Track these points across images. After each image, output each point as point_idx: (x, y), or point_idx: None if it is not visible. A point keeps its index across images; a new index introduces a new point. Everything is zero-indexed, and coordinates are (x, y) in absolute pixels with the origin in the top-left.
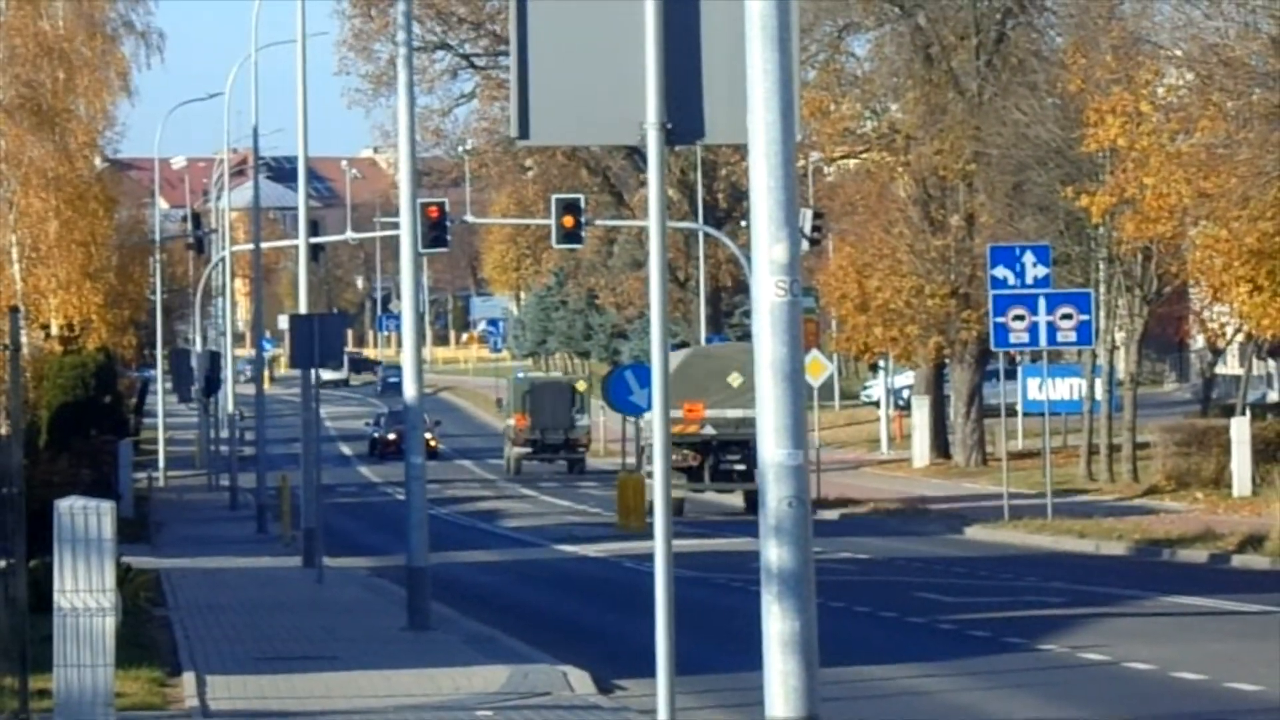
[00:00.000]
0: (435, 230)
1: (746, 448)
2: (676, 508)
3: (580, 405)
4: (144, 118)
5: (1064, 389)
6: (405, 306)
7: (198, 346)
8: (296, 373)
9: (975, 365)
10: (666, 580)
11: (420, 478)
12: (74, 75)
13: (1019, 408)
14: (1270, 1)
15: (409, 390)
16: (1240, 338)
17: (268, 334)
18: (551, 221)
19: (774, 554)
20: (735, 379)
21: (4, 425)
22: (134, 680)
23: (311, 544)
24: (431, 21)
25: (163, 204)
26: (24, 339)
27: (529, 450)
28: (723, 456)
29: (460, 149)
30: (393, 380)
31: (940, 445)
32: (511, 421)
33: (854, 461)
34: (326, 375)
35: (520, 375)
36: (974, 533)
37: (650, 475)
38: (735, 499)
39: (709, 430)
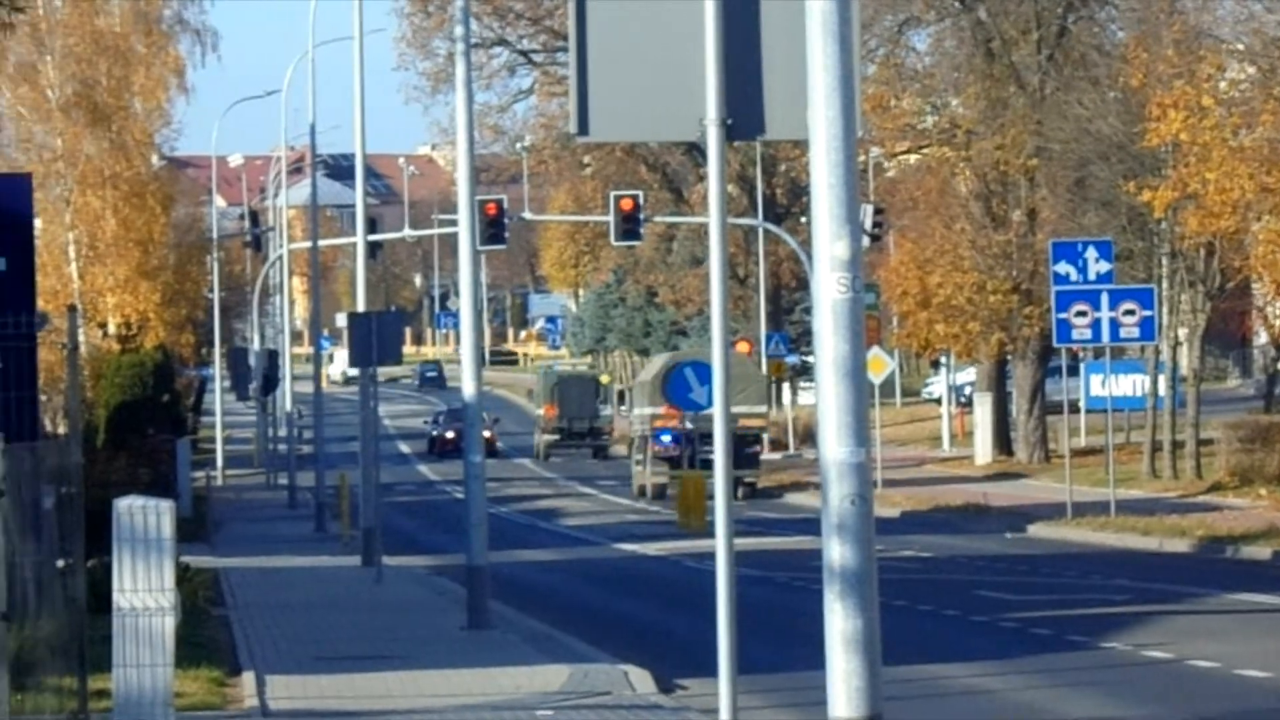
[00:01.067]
0: (493, 227)
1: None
2: (660, 492)
3: (604, 397)
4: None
5: (1127, 385)
6: (464, 304)
7: (255, 345)
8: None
9: (1037, 361)
10: (728, 579)
11: (479, 476)
12: (130, 72)
13: (1081, 404)
14: None
15: (467, 388)
16: None
17: (326, 332)
18: (610, 218)
19: (836, 552)
20: None
21: (62, 424)
22: (193, 680)
23: (370, 543)
24: (489, 18)
25: (220, 202)
26: (81, 338)
27: (557, 438)
28: (700, 447)
29: (518, 145)
30: (430, 375)
31: (1002, 442)
32: (541, 411)
33: (916, 459)
34: (354, 371)
35: (549, 368)
36: (1036, 530)
37: (639, 464)
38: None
39: (688, 424)
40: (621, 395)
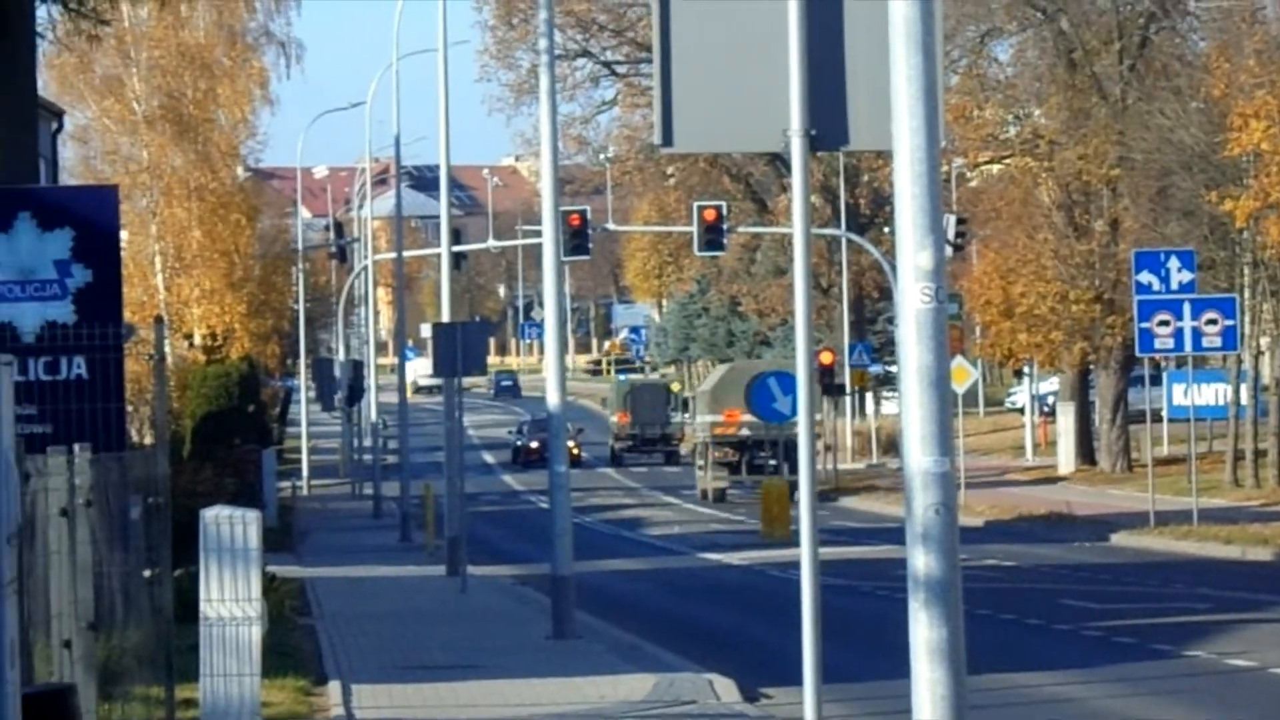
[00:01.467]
0: (577, 238)
1: (775, 445)
2: (720, 495)
3: (675, 404)
4: (285, 127)
5: (1209, 394)
6: (548, 314)
7: (340, 355)
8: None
9: (1120, 371)
10: (813, 588)
11: (564, 486)
12: (215, 85)
13: (1164, 413)
14: None
15: (551, 398)
16: None
17: (410, 342)
18: (694, 228)
19: (920, 561)
20: None
21: (149, 435)
22: (280, 689)
23: (455, 552)
24: (573, 29)
25: (305, 213)
26: (168, 349)
27: (629, 444)
28: (756, 453)
29: (602, 156)
30: (505, 384)
31: (1085, 451)
32: (614, 418)
33: (999, 469)
34: (425, 381)
35: (623, 377)
36: (1120, 539)
37: (702, 469)
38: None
39: (745, 432)
40: (685, 403)
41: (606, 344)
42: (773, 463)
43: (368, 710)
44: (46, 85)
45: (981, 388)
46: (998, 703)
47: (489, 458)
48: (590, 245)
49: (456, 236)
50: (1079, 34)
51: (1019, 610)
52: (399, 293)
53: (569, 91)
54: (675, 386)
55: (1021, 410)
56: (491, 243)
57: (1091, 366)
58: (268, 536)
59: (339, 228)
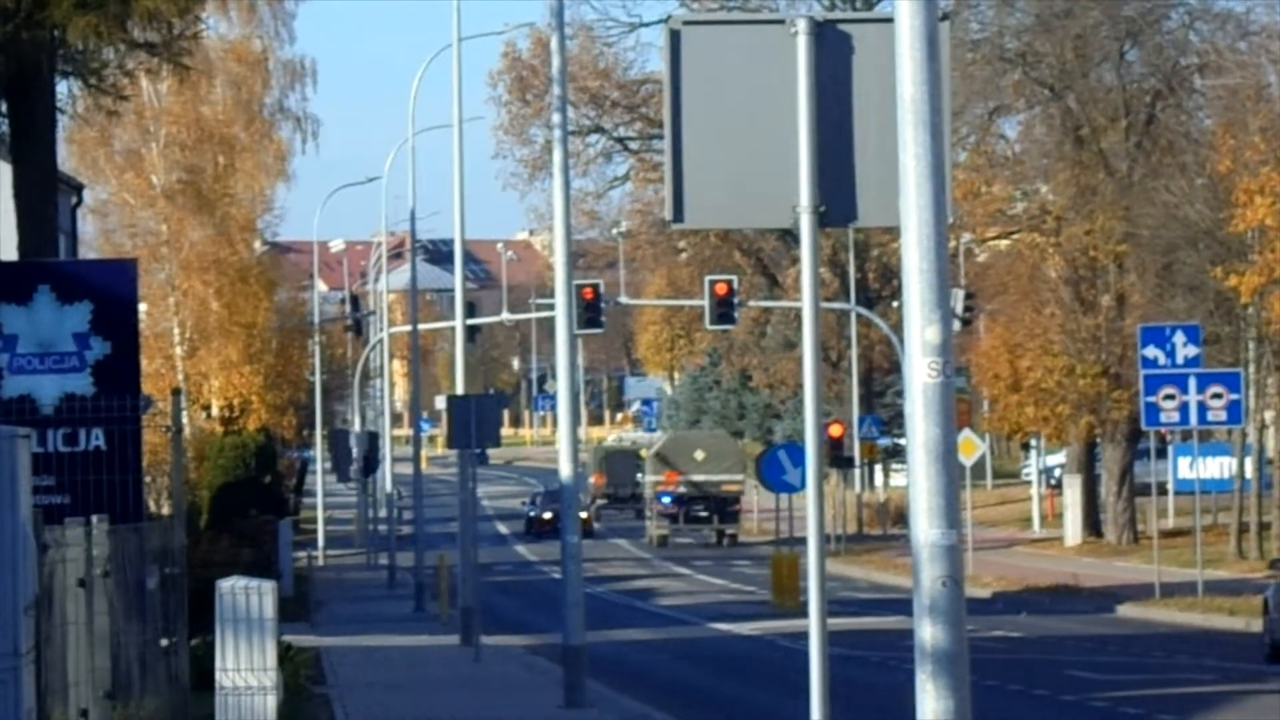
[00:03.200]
0: (590, 311)
1: (709, 500)
2: (662, 541)
3: (644, 469)
4: (302, 201)
5: (1214, 467)
6: (561, 386)
7: (356, 427)
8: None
9: (1126, 444)
10: (821, 659)
11: (576, 556)
12: (233, 159)
13: (1169, 486)
14: None
15: (564, 469)
16: None
17: (425, 414)
18: (705, 302)
19: (928, 633)
20: (699, 454)
21: (166, 505)
22: None
23: (469, 622)
24: (586, 106)
25: (322, 286)
26: (185, 420)
27: (605, 502)
28: (692, 507)
29: (615, 231)
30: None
31: (1092, 523)
32: (592, 480)
33: (1006, 540)
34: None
35: (599, 444)
36: (1125, 610)
37: (649, 519)
38: (710, 536)
39: (682, 489)
40: None
41: (619, 416)
42: (704, 514)
43: None
44: (66, 159)
45: (989, 460)
46: None
47: (503, 528)
48: (603, 318)
49: (471, 309)
50: (1086, 111)
51: (1026, 681)
52: (414, 365)
53: (582, 167)
54: (644, 453)
55: (1029, 482)
56: (505, 316)
57: (1098, 439)
58: (283, 606)
59: (355, 301)
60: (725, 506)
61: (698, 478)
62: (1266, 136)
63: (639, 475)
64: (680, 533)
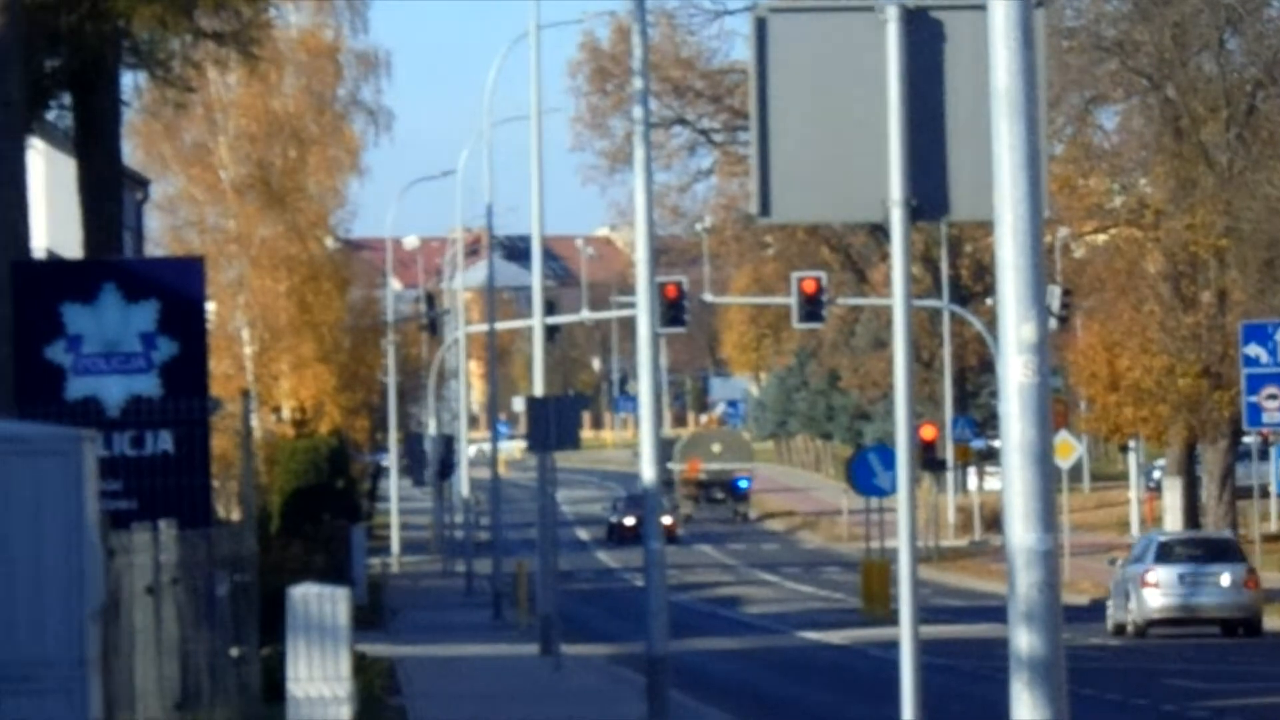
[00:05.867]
0: (673, 309)
1: (723, 485)
2: (686, 519)
3: (671, 455)
4: (375, 197)
5: None
6: (642, 387)
7: (431, 430)
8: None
9: (1228, 445)
10: (913, 668)
11: (659, 563)
12: (304, 153)
13: (1271, 488)
14: None
15: (647, 474)
16: None
17: (502, 416)
18: (793, 300)
19: (1023, 641)
20: (716, 447)
21: (236, 510)
22: None
23: (548, 631)
24: (668, 97)
25: (395, 284)
26: (255, 423)
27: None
28: (710, 491)
29: (698, 226)
30: None
31: (1192, 526)
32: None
33: (1104, 545)
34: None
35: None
36: None
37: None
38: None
39: (702, 476)
40: None
41: (703, 418)
42: (720, 497)
43: None
44: (132, 154)
45: (1087, 462)
46: None
47: (583, 534)
48: (686, 317)
49: (550, 308)
50: (1185, 102)
51: (1123, 690)
52: (491, 365)
53: (664, 160)
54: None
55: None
56: (585, 314)
57: (1198, 440)
58: (357, 614)
59: (430, 299)
60: (738, 490)
61: (714, 466)
62: None
63: (667, 462)
64: (699, 511)
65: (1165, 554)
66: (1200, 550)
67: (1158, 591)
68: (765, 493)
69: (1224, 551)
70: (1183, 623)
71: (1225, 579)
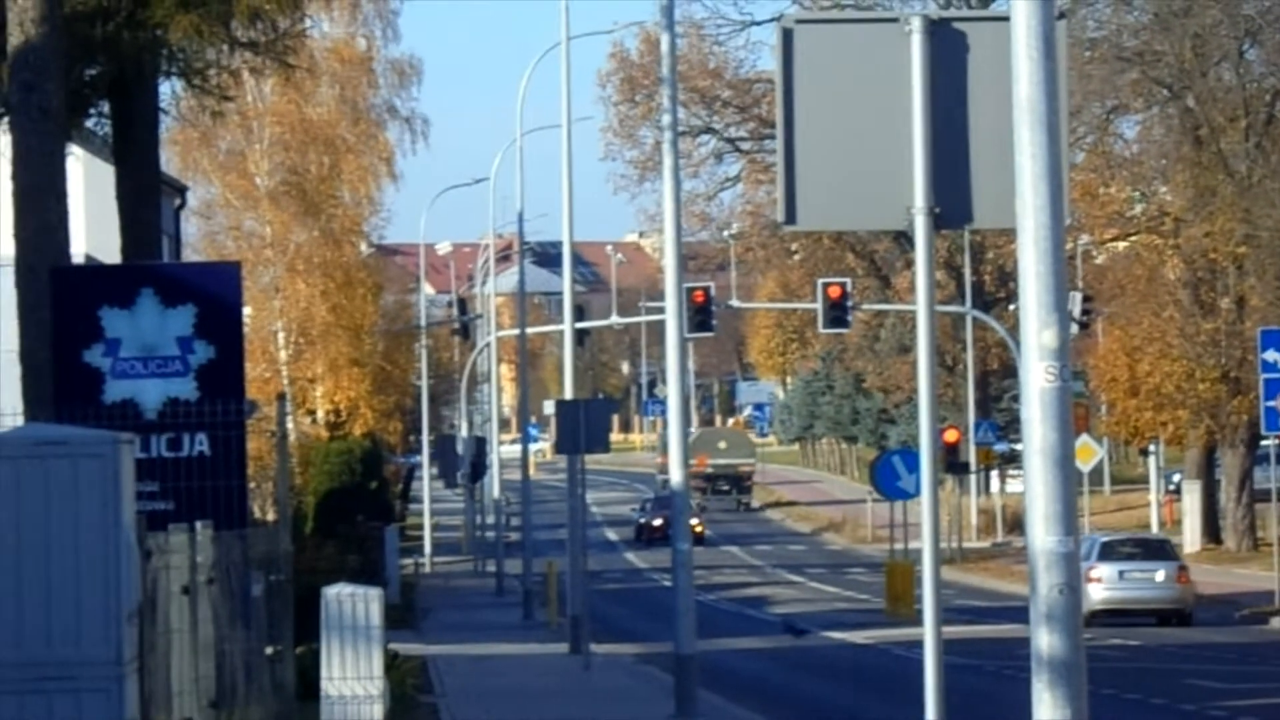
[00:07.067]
0: (701, 314)
1: (728, 479)
2: (701, 509)
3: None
4: (409, 203)
5: None
6: (671, 391)
7: (463, 432)
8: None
9: (1246, 449)
10: (936, 667)
11: (687, 564)
12: (339, 160)
13: None
14: None
15: (674, 476)
16: None
17: (533, 419)
18: (818, 305)
19: (1045, 641)
20: (722, 444)
21: (271, 511)
22: None
23: (578, 630)
24: (696, 106)
25: (428, 289)
26: (290, 425)
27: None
28: (716, 483)
29: (725, 233)
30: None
31: (1211, 530)
32: (658, 460)
33: None
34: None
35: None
36: (1245, 618)
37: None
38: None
39: (709, 470)
40: None
41: (731, 421)
42: (726, 488)
43: None
44: (169, 161)
45: (1107, 465)
46: None
47: (612, 535)
48: (714, 322)
49: (580, 313)
50: (1205, 111)
51: (1143, 690)
52: (522, 369)
53: (692, 168)
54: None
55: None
56: (615, 319)
57: (1217, 445)
58: (390, 614)
59: (462, 304)
60: (741, 482)
61: (720, 461)
62: None
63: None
64: (710, 501)
65: (1107, 552)
66: (1138, 549)
67: (1100, 586)
68: (774, 484)
69: (1159, 551)
70: (1122, 614)
71: (1160, 575)
